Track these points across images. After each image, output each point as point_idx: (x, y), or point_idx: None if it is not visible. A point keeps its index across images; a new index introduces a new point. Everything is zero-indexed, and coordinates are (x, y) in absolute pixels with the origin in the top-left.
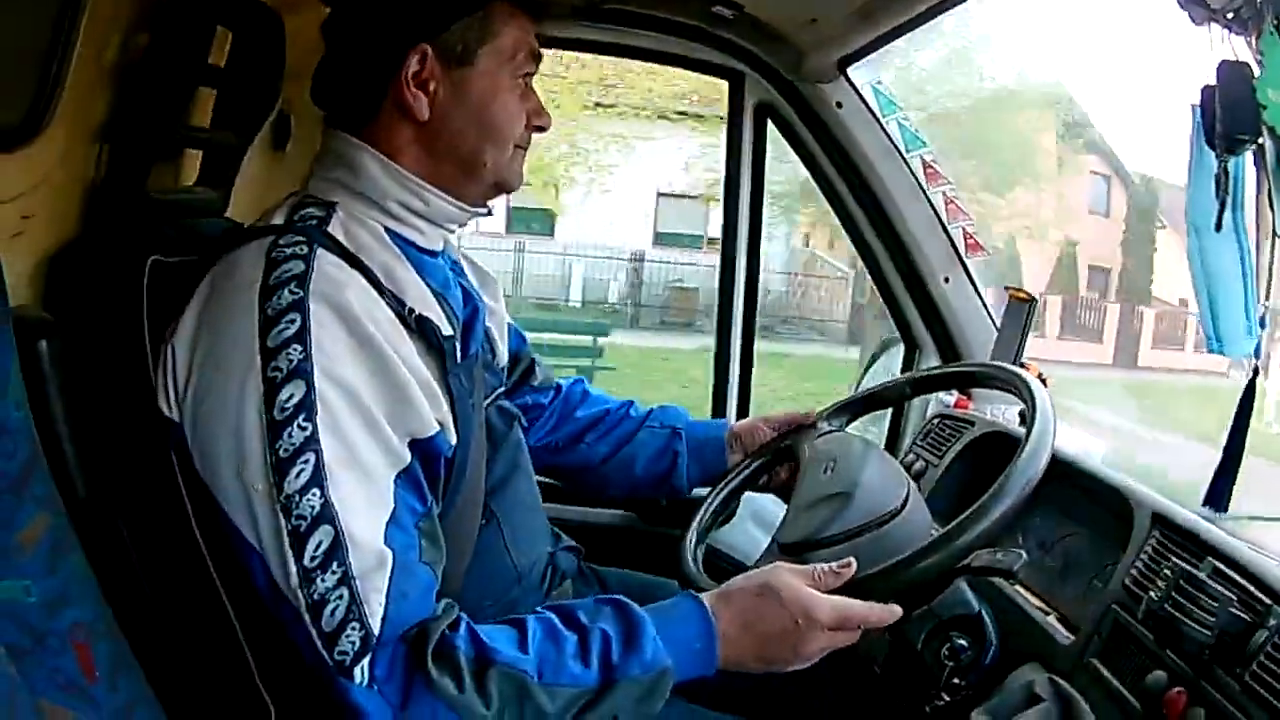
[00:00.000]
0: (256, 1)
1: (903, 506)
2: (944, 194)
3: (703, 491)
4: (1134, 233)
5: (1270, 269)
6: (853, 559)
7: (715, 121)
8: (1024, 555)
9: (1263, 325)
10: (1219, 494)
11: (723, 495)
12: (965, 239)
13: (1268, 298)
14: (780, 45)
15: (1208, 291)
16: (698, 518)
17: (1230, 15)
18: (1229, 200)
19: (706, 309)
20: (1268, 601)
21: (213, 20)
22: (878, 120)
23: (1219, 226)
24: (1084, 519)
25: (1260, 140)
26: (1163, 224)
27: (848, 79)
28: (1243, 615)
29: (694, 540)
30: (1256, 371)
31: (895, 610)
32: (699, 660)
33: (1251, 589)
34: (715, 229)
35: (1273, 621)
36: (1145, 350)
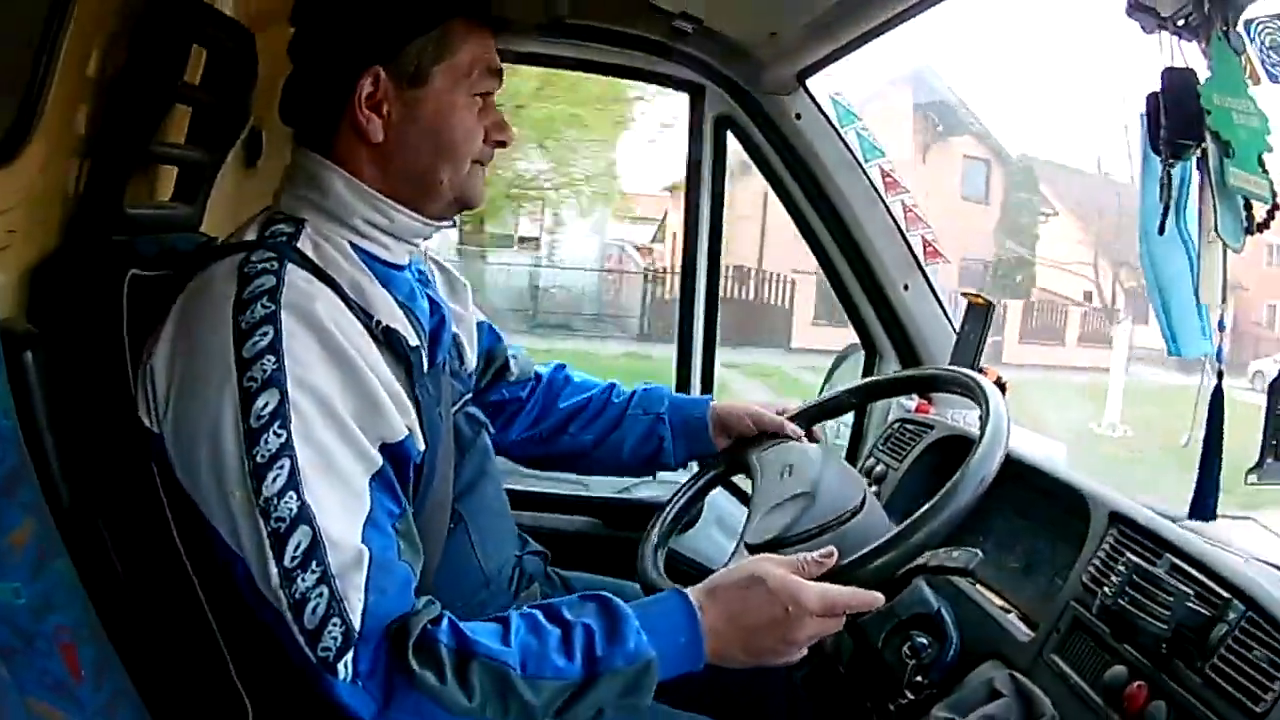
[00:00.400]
0: (231, 20)
1: (862, 505)
2: (903, 202)
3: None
4: (1012, 220)
5: (1223, 272)
6: (834, 548)
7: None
8: (979, 554)
9: (1222, 327)
10: (1204, 504)
11: (680, 504)
12: (924, 246)
13: (1224, 300)
14: (740, 58)
15: (1160, 295)
16: (655, 524)
17: (1180, 23)
18: (1173, 205)
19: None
20: (1226, 596)
21: (189, 39)
22: (836, 131)
23: (1162, 230)
24: (1045, 519)
25: (1204, 145)
26: (1053, 210)
27: (807, 91)
28: (1201, 610)
29: (653, 545)
30: (1221, 375)
31: (878, 596)
32: (685, 655)
33: (1209, 584)
34: (525, 229)
35: (1232, 615)
36: (1011, 346)
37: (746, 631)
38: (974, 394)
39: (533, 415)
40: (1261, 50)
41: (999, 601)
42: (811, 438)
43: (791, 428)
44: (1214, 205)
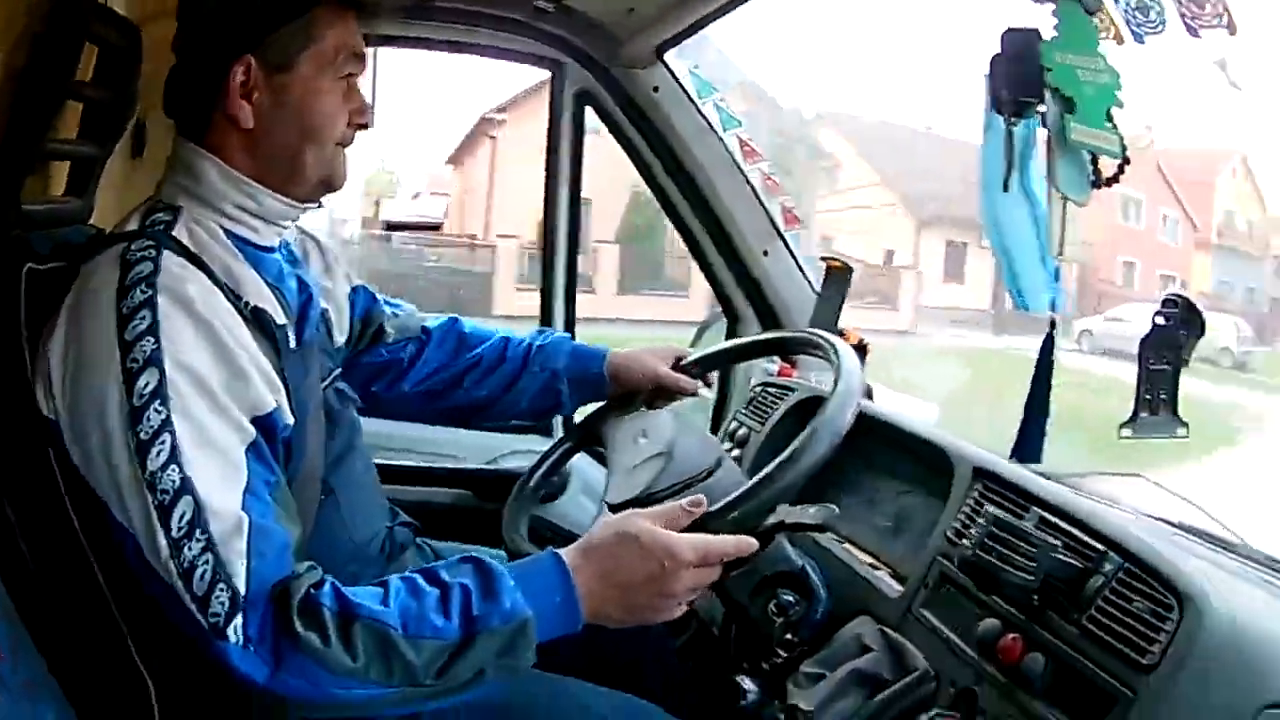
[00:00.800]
0: (120, 17)
1: (717, 465)
2: (761, 170)
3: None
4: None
5: (1062, 225)
6: (703, 496)
7: None
8: (836, 510)
9: (1056, 278)
10: (1030, 446)
11: (540, 474)
12: (784, 213)
13: (1061, 253)
14: (599, 34)
15: (1004, 249)
16: (515, 492)
17: None
18: (1016, 161)
19: None
20: (1100, 548)
21: (82, 37)
22: (694, 103)
23: (1005, 187)
24: (914, 478)
25: (1044, 103)
26: (834, 161)
27: (664, 64)
28: (1071, 561)
29: (515, 513)
30: (1054, 324)
31: (752, 541)
32: (561, 614)
33: (1081, 536)
34: None
35: (1107, 567)
36: None
37: (622, 589)
38: (826, 354)
39: (424, 371)
40: (1126, 11)
41: (868, 559)
42: (708, 384)
43: (687, 381)
44: (1056, 161)
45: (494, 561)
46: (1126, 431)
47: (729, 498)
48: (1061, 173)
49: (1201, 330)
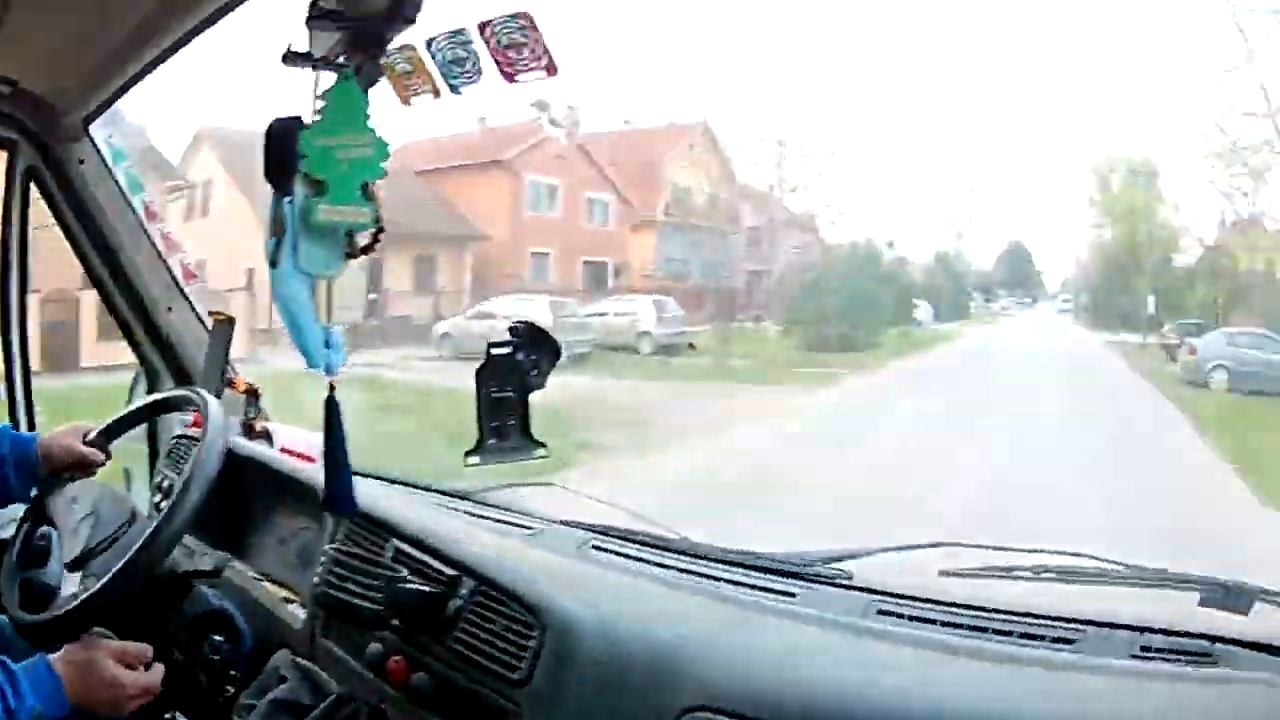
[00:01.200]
0: None
1: (132, 519)
2: (161, 231)
3: None
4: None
5: (328, 296)
6: (149, 648)
7: None
8: (228, 556)
9: (328, 345)
10: (339, 497)
11: (17, 546)
12: (183, 270)
13: (331, 319)
14: (45, 113)
15: (288, 316)
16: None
17: (339, 61)
18: (286, 238)
19: None
20: (453, 573)
21: None
22: (110, 171)
23: (274, 264)
24: (310, 515)
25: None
26: (206, 180)
27: (89, 137)
28: (422, 587)
29: (4, 584)
30: (333, 387)
31: (158, 670)
32: (57, 706)
33: (432, 563)
34: None
35: (464, 590)
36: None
37: (91, 700)
38: (197, 407)
39: None
40: (442, 65)
41: (285, 593)
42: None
43: (92, 454)
44: (302, 242)
45: (14, 665)
46: (474, 459)
47: (126, 556)
48: (306, 252)
49: (555, 353)
